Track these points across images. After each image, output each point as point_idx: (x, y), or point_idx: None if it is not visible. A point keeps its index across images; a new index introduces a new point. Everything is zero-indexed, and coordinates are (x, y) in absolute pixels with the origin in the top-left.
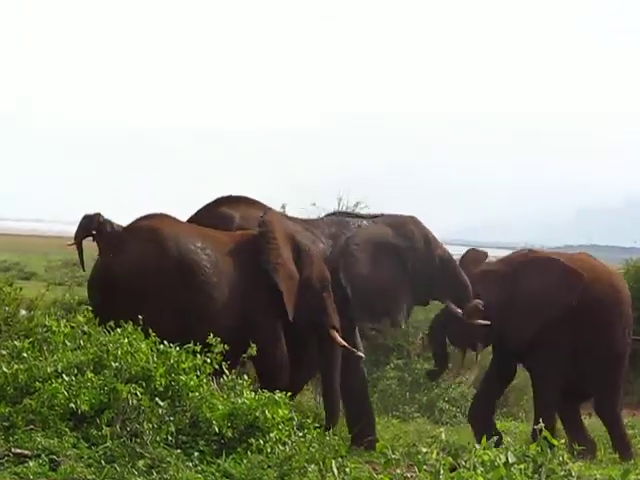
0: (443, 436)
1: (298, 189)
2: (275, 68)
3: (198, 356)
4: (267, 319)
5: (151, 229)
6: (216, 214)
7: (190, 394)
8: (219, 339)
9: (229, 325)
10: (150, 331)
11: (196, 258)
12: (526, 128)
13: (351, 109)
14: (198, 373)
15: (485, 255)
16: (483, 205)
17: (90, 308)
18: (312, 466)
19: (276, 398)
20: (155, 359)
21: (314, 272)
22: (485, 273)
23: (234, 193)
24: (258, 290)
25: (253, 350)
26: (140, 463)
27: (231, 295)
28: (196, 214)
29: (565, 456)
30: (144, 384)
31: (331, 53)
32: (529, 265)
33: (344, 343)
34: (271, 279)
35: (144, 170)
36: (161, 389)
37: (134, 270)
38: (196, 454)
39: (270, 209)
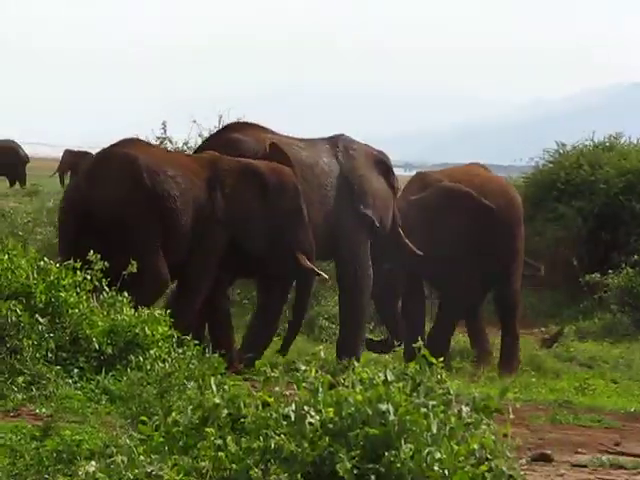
0: (322, 354)
1: (175, 105)
2: None
3: (78, 273)
4: None
5: (124, 156)
6: (227, 140)
7: (70, 311)
8: (99, 256)
9: None
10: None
11: (167, 187)
12: (410, 40)
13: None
14: (78, 290)
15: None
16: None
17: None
18: (191, 383)
19: (156, 315)
20: (35, 276)
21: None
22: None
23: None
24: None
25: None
26: (19, 379)
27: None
28: (207, 140)
29: (444, 374)
30: (24, 301)
31: None
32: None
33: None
34: None
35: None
36: (41, 306)
37: (107, 199)
38: (76, 371)
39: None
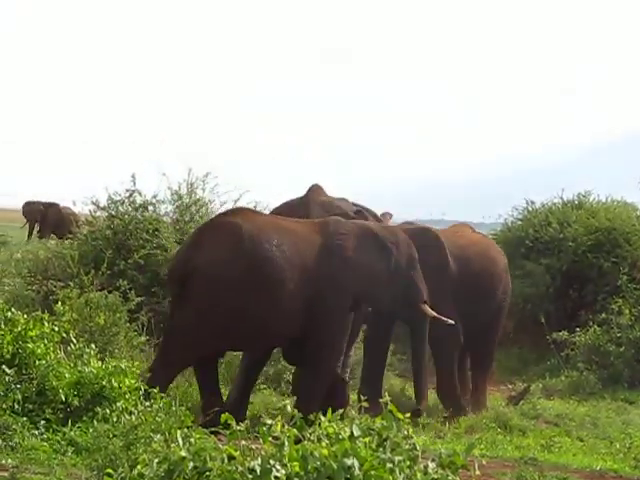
0: (289, 408)
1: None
2: None
3: (46, 324)
4: None
5: (229, 225)
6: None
7: (37, 362)
8: (67, 307)
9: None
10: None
11: (270, 255)
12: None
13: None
14: (46, 341)
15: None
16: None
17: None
18: (158, 436)
19: (123, 367)
20: (2, 326)
21: None
22: None
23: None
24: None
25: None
26: None
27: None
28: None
29: (410, 430)
30: None
31: None
32: None
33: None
34: None
35: None
36: (8, 356)
37: (211, 265)
38: (42, 422)
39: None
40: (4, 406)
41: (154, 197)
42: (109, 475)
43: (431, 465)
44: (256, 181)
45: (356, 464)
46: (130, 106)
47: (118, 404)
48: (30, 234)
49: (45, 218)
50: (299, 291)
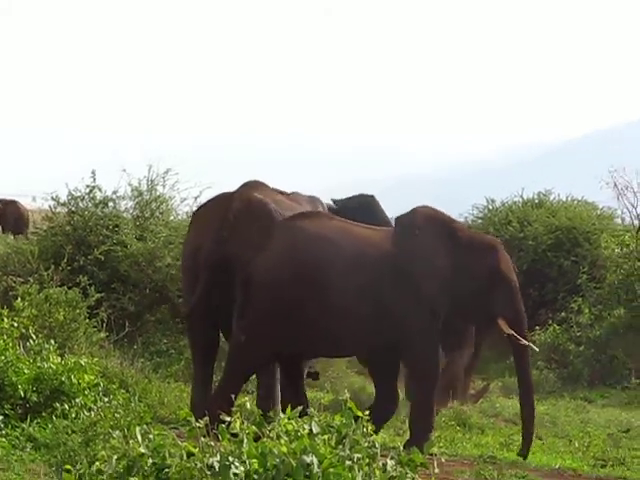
0: (248, 405)
1: (105, 154)
2: None
3: (5, 320)
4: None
5: (295, 229)
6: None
7: None
8: (27, 303)
9: None
10: None
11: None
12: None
13: None
14: (5, 337)
15: None
16: (293, 173)
17: None
18: (117, 432)
19: (82, 363)
20: None
21: None
22: None
23: None
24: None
25: None
26: None
27: None
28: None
29: (369, 427)
30: None
31: None
32: None
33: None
34: None
35: None
36: None
37: (269, 270)
38: (1, 418)
39: None
40: None
41: (114, 193)
42: (68, 471)
43: (390, 463)
44: (218, 174)
45: (315, 461)
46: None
47: (77, 400)
48: None
49: (3, 215)
50: (366, 299)
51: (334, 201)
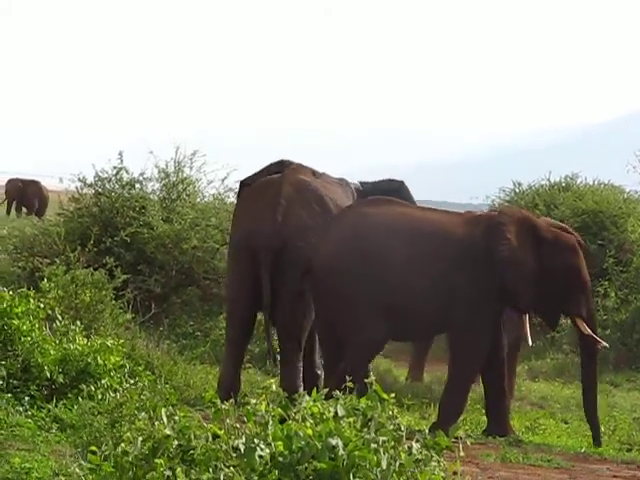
0: (274, 387)
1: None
2: None
3: (32, 301)
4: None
5: (357, 216)
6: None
7: (22, 339)
8: (53, 285)
9: None
10: None
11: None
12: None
13: None
14: (31, 318)
15: None
16: (315, 160)
17: None
18: (142, 414)
19: (108, 345)
20: None
21: None
22: None
23: None
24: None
25: None
26: None
27: None
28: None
29: (395, 410)
30: None
31: None
32: None
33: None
34: None
35: None
36: None
37: (333, 256)
38: (27, 399)
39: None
40: None
41: (141, 175)
42: (93, 452)
43: (415, 446)
44: (243, 160)
45: (340, 444)
46: (120, 84)
47: (103, 381)
48: (8, 211)
49: (25, 195)
50: (436, 283)
51: (362, 184)
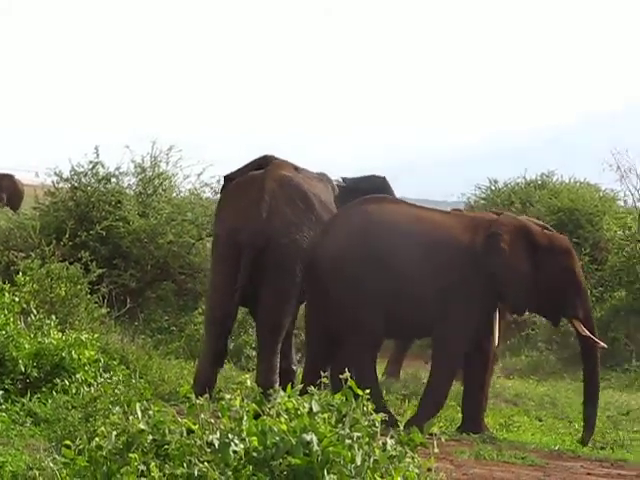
0: (248, 383)
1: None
2: None
3: (6, 295)
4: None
5: (359, 214)
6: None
7: None
8: (28, 278)
9: None
10: None
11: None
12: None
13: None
14: (6, 312)
15: None
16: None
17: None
18: (117, 408)
19: (83, 339)
20: None
21: None
22: None
23: None
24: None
25: None
26: None
27: None
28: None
29: (370, 406)
30: None
31: None
32: None
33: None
34: None
35: None
36: None
37: (335, 255)
38: (1, 393)
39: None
40: None
41: (117, 169)
42: (67, 447)
43: (390, 442)
44: (220, 155)
45: (315, 440)
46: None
47: (77, 376)
48: None
49: None
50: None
51: (344, 179)
